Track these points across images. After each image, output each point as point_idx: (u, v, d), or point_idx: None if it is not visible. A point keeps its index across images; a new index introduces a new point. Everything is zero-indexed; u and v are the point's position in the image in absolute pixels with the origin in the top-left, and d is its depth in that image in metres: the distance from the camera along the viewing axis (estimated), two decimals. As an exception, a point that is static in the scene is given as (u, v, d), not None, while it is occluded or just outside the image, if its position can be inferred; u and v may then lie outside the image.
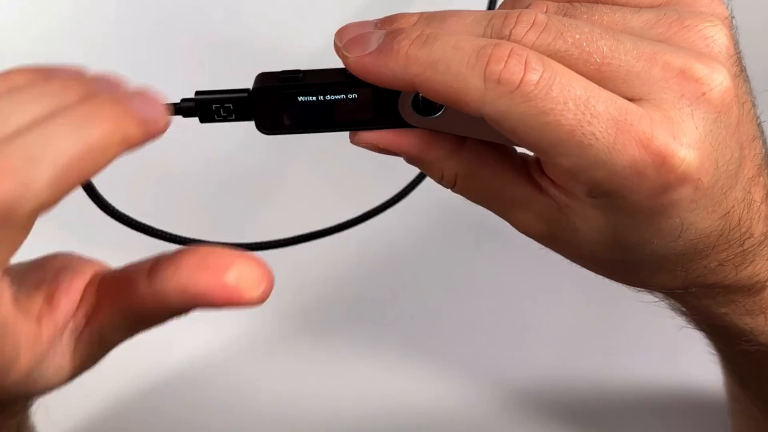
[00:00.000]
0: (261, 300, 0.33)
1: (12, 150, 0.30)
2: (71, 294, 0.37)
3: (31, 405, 0.45)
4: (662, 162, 0.34)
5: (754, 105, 0.39)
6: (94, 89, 0.33)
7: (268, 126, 0.39)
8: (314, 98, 0.38)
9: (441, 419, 0.66)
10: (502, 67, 0.33)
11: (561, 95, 0.33)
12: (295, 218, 0.60)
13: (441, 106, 0.38)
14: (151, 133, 0.33)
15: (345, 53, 0.37)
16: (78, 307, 0.37)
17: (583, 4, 0.38)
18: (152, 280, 0.35)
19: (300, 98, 0.38)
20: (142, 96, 0.33)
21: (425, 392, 0.68)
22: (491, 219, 0.42)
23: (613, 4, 0.38)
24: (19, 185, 0.30)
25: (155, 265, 0.35)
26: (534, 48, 0.35)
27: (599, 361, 0.68)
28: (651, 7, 0.38)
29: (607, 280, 0.42)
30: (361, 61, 0.36)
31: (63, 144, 0.31)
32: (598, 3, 0.38)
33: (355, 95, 0.38)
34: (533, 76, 0.33)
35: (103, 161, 0.31)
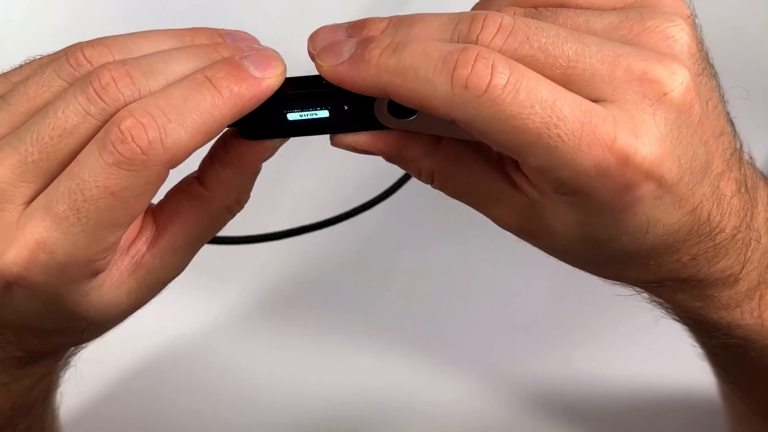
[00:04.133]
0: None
1: (157, 102, 0.36)
2: (135, 222, 0.40)
3: (64, 368, 0.48)
4: (625, 161, 0.35)
5: (721, 100, 0.40)
6: (227, 55, 0.39)
7: (252, 133, 0.40)
8: (297, 109, 0.39)
9: (436, 414, 0.67)
10: (469, 72, 0.34)
11: (528, 99, 0.34)
12: (291, 212, 0.61)
13: (416, 109, 0.39)
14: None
15: (319, 62, 0.38)
16: (138, 234, 0.40)
17: (548, 8, 0.38)
18: (204, 182, 0.40)
19: (283, 109, 0.39)
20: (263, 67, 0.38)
21: (421, 387, 0.68)
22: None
23: (576, 7, 0.39)
24: (158, 134, 0.35)
25: (202, 174, 0.40)
26: (501, 53, 0.35)
27: (597, 358, 0.68)
28: (614, 9, 0.39)
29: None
30: (335, 70, 0.37)
31: (203, 105, 0.36)
32: (562, 7, 0.39)
33: (334, 102, 0.39)
34: (500, 80, 0.34)
35: (225, 125, 0.37)
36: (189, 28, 0.41)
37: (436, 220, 0.64)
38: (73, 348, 0.46)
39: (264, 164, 0.41)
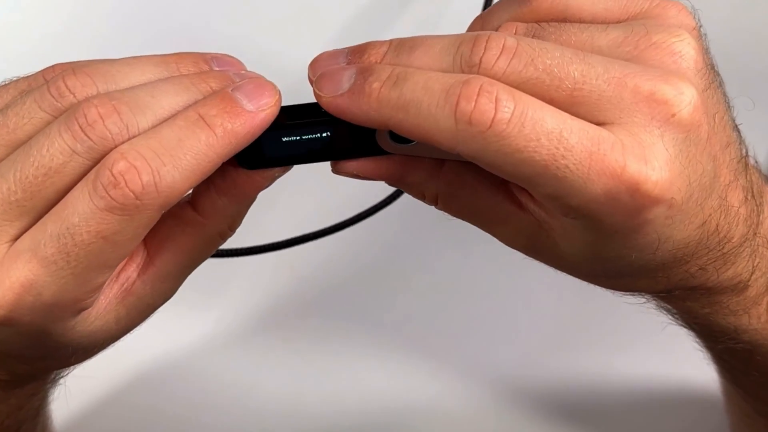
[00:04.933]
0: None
1: (150, 144, 0.34)
2: None
3: (53, 386, 0.48)
4: (636, 188, 0.34)
5: (728, 109, 0.39)
6: (218, 86, 0.37)
7: (250, 163, 0.39)
8: (296, 137, 0.38)
9: (441, 419, 0.67)
10: (473, 107, 0.33)
11: (533, 132, 0.34)
12: (290, 220, 0.60)
13: None
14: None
15: (318, 92, 0.37)
16: (129, 261, 0.39)
17: (551, 24, 0.38)
18: (198, 207, 0.39)
19: (282, 138, 0.38)
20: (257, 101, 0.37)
21: (419, 389, 0.68)
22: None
23: (580, 21, 0.38)
24: (152, 177, 0.34)
25: (196, 200, 0.39)
26: (505, 76, 0.35)
27: (597, 358, 0.68)
28: (618, 22, 0.38)
29: None
30: (335, 102, 0.37)
31: (198, 146, 0.35)
32: (565, 22, 0.38)
33: (333, 129, 0.38)
34: (504, 115, 0.33)
35: (219, 164, 0.36)
36: (173, 54, 0.39)
37: (439, 225, 0.64)
38: (59, 371, 0.46)
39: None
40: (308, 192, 0.64)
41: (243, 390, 0.68)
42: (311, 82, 0.38)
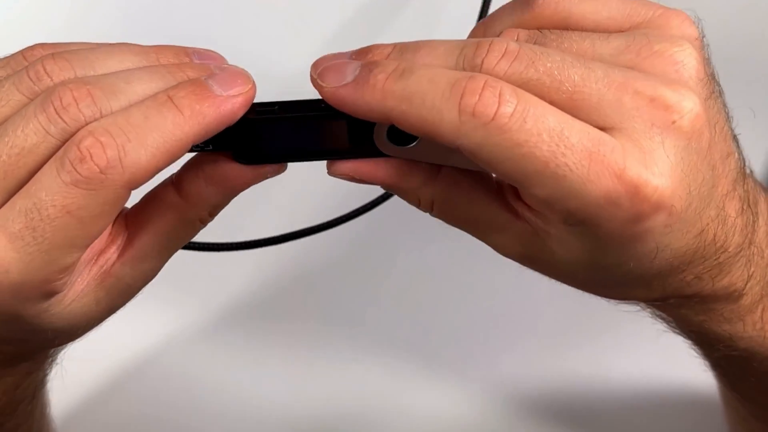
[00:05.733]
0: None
1: (117, 121, 0.35)
2: (106, 231, 0.39)
3: (50, 365, 0.48)
4: (635, 192, 0.34)
5: (728, 120, 0.40)
6: (193, 74, 0.38)
7: (246, 158, 0.39)
8: (291, 131, 0.38)
9: (433, 418, 0.67)
10: (477, 100, 0.34)
11: (535, 127, 0.34)
12: (284, 217, 0.60)
13: (416, 136, 0.38)
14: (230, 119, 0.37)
15: (320, 83, 0.37)
16: (110, 243, 0.40)
17: (552, 31, 0.38)
18: (182, 191, 0.39)
19: (277, 131, 0.38)
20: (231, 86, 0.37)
21: (411, 389, 0.68)
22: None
23: (582, 30, 0.38)
24: (117, 152, 0.35)
25: (181, 183, 0.39)
26: (506, 77, 0.35)
27: (595, 359, 0.68)
28: (620, 31, 0.38)
29: None
30: (338, 92, 0.36)
31: (164, 125, 0.35)
32: (567, 30, 0.38)
33: (331, 126, 0.38)
34: (507, 109, 0.34)
35: (188, 146, 0.36)
36: (155, 45, 0.40)
37: (435, 224, 0.64)
38: (52, 350, 0.46)
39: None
40: (304, 187, 0.64)
41: (233, 383, 0.68)
42: (313, 81, 0.38)
